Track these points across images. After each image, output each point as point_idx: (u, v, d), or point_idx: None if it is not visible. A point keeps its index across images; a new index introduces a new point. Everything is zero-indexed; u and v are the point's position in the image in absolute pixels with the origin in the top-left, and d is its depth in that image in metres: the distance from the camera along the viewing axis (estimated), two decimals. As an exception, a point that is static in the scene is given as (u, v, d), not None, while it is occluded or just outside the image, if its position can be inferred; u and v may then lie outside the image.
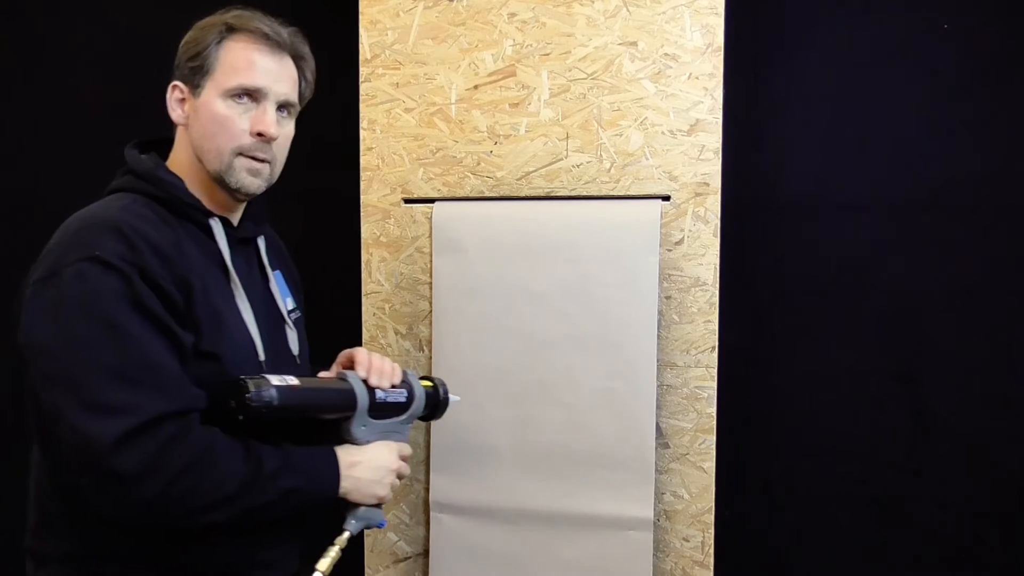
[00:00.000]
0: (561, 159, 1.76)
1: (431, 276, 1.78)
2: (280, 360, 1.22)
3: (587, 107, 1.74)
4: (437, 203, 1.78)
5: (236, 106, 1.15)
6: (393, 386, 1.22)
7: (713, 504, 1.73)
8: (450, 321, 1.76)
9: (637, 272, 1.66)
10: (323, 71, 2.10)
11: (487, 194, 1.78)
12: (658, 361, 1.70)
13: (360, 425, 1.18)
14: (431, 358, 1.79)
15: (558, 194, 1.76)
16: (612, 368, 1.68)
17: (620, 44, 1.73)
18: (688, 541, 1.75)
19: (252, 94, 1.17)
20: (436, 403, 1.30)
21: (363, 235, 1.85)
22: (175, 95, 1.19)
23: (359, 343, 1.85)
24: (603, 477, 1.68)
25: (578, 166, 1.75)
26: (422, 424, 1.84)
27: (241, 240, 1.24)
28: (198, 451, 1.02)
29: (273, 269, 1.30)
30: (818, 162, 1.91)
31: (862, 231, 1.89)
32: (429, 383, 1.30)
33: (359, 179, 1.85)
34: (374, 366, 1.22)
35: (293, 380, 1.10)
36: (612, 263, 1.67)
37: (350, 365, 1.24)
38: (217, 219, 1.19)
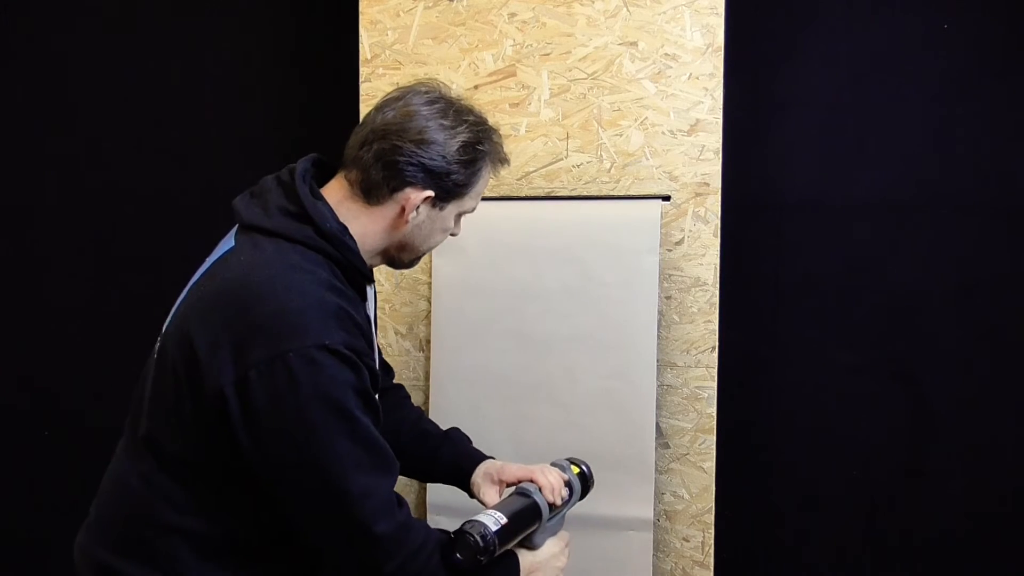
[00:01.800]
0: (561, 159, 1.76)
1: (431, 276, 1.78)
2: None
3: (587, 107, 1.74)
4: (437, 203, 1.78)
5: (457, 219, 1.22)
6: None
7: (713, 504, 1.73)
8: (450, 321, 1.76)
9: (637, 272, 1.66)
10: (323, 71, 2.12)
11: (487, 194, 1.76)
12: (658, 361, 1.70)
13: (540, 533, 1.22)
14: (430, 358, 1.79)
15: (558, 194, 1.76)
16: (612, 368, 1.68)
17: (620, 44, 1.73)
18: (688, 541, 1.75)
19: None
20: (587, 485, 1.34)
21: (363, 235, 1.84)
22: (420, 200, 1.13)
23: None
24: (603, 477, 1.67)
25: (578, 166, 1.75)
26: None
27: None
28: (424, 538, 1.09)
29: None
30: (818, 162, 1.91)
31: (862, 231, 1.89)
32: (575, 467, 1.33)
33: (359, 179, 1.85)
34: (553, 486, 1.27)
35: (500, 516, 1.13)
36: (612, 263, 1.67)
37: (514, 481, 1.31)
38: (372, 286, 1.21)
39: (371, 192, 1.13)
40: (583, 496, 1.32)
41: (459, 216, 1.21)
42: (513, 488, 1.26)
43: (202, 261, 1.19)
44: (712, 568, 1.74)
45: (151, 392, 1.11)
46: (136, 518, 1.11)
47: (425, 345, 1.83)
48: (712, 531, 1.74)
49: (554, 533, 1.25)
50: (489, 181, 1.22)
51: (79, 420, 2.32)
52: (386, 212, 1.14)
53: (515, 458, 1.71)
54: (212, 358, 1.02)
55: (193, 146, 2.22)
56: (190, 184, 2.21)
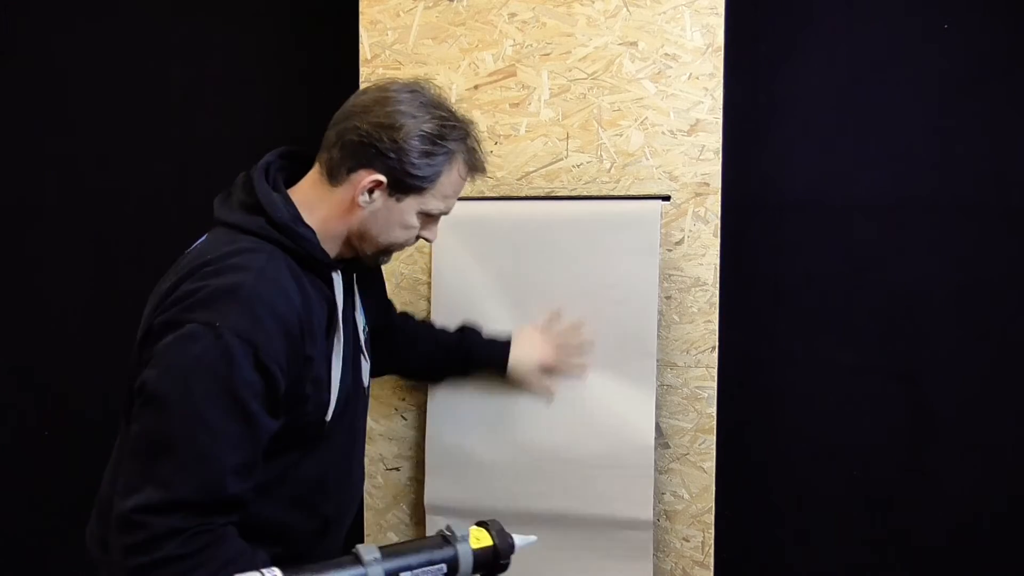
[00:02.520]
0: (561, 159, 1.76)
1: (431, 276, 1.78)
2: (354, 398, 1.25)
3: (587, 107, 1.74)
4: (437, 203, 1.78)
5: (423, 220, 1.19)
6: (431, 562, 0.93)
7: (713, 504, 1.73)
8: (450, 321, 1.75)
9: (637, 272, 1.66)
10: (323, 71, 2.12)
11: (487, 194, 1.78)
12: (658, 361, 1.70)
13: None
14: (431, 358, 1.79)
15: (558, 194, 1.76)
16: (612, 368, 1.68)
17: (620, 44, 1.73)
18: (688, 541, 1.75)
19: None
20: (493, 562, 0.97)
21: (363, 235, 1.84)
22: (370, 182, 1.12)
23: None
24: (602, 477, 1.68)
25: (578, 166, 1.75)
26: (419, 424, 1.84)
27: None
28: (203, 558, 1.00)
29: (361, 289, 1.29)
30: (818, 162, 1.91)
31: (862, 231, 1.89)
32: (486, 537, 0.98)
33: (359, 179, 1.85)
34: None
35: None
36: (612, 263, 1.67)
37: None
38: (339, 271, 1.19)
39: (333, 173, 1.13)
40: (492, 573, 0.98)
41: (425, 217, 1.18)
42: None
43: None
44: (712, 568, 1.74)
45: (128, 373, 1.16)
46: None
47: (425, 345, 1.83)
48: (712, 531, 1.74)
49: None
50: (462, 186, 1.19)
51: (79, 420, 2.32)
52: (344, 195, 1.14)
53: (515, 459, 1.72)
54: (147, 326, 1.08)
55: (193, 146, 2.22)
56: (190, 184, 2.21)
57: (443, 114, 1.15)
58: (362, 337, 1.28)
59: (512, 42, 1.77)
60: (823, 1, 1.89)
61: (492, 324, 1.73)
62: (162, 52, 2.22)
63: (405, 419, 1.86)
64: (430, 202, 1.16)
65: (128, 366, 1.15)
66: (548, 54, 1.75)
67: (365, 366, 1.29)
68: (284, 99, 2.17)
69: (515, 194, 1.77)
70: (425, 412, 1.82)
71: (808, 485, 1.95)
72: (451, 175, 1.17)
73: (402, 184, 1.13)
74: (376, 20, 1.82)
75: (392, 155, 1.10)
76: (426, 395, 1.81)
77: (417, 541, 0.95)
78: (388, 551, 0.90)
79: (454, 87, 1.79)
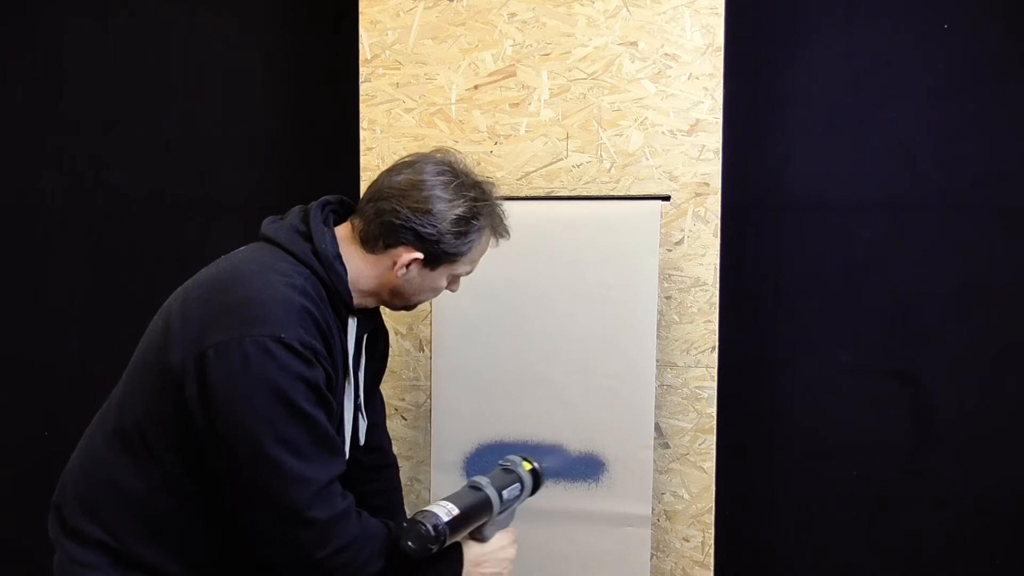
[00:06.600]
0: (561, 159, 1.76)
1: (431, 276, 1.78)
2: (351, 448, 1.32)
3: (587, 107, 1.74)
4: (437, 203, 1.78)
5: (450, 279, 1.29)
6: (512, 482, 1.30)
7: (713, 504, 1.73)
8: (450, 321, 1.76)
9: (637, 272, 1.66)
10: (323, 71, 2.12)
11: (487, 194, 1.78)
12: (658, 361, 1.70)
13: (490, 526, 1.26)
14: (431, 358, 1.79)
15: (558, 194, 1.76)
16: (612, 368, 1.68)
17: (620, 44, 1.73)
18: (688, 541, 1.75)
19: None
20: (538, 482, 1.36)
21: (363, 235, 1.84)
22: (409, 260, 1.21)
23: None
24: (603, 475, 1.69)
25: (578, 166, 1.76)
26: (419, 424, 1.84)
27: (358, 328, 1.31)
28: (360, 533, 1.14)
29: (367, 353, 1.36)
30: (818, 162, 1.91)
31: (862, 231, 1.89)
32: (527, 463, 1.35)
33: (359, 179, 1.85)
34: None
35: (452, 507, 1.17)
36: (612, 263, 1.67)
37: None
38: (355, 319, 1.25)
39: (368, 242, 1.22)
40: (533, 492, 1.35)
41: (453, 277, 1.29)
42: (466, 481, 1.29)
43: (201, 260, 1.24)
44: (712, 568, 1.74)
45: (132, 360, 1.21)
46: (96, 480, 1.20)
47: (426, 345, 1.83)
48: (712, 531, 1.74)
49: (504, 527, 1.30)
50: (487, 249, 1.29)
51: (79, 420, 2.32)
52: (380, 262, 1.23)
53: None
54: (183, 330, 1.11)
55: (193, 146, 2.22)
56: (190, 184, 2.21)
57: (473, 195, 1.23)
58: (362, 396, 1.32)
59: (512, 42, 1.77)
60: (823, 1, 1.89)
61: (492, 324, 1.73)
62: (162, 51, 2.22)
63: (405, 419, 1.86)
64: (460, 268, 1.27)
65: (140, 349, 1.19)
66: (548, 54, 1.75)
67: (362, 425, 1.33)
68: (284, 99, 2.17)
69: (515, 194, 1.77)
70: (425, 412, 1.82)
71: (808, 485, 1.95)
72: (480, 244, 1.26)
73: (438, 259, 1.22)
74: (376, 20, 1.82)
75: (430, 238, 1.19)
76: (428, 395, 1.81)
77: (499, 471, 1.31)
78: (488, 479, 1.26)
79: (454, 87, 1.79)
